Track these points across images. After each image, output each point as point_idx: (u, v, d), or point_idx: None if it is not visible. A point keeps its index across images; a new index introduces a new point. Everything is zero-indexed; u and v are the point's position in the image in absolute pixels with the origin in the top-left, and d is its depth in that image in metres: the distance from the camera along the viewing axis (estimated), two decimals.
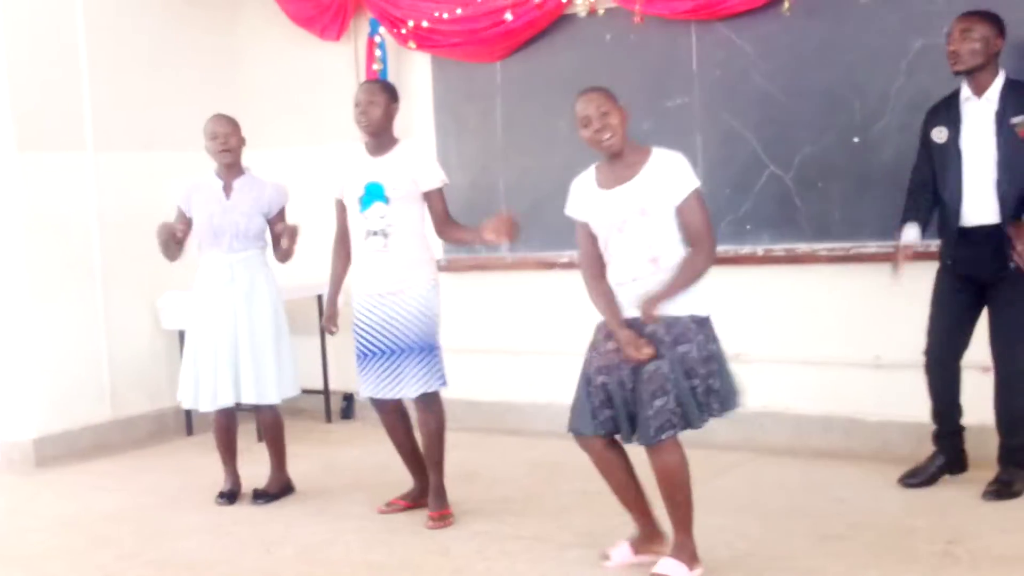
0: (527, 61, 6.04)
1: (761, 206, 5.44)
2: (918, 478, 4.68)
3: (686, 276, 3.73)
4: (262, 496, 5.04)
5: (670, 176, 3.74)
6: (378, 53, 6.44)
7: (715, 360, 3.77)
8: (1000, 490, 4.46)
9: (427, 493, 4.71)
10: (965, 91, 4.49)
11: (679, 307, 3.71)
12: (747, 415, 5.58)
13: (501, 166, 6.21)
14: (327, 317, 4.85)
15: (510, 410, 6.32)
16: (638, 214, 3.72)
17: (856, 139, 5.18)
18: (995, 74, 4.44)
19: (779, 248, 5.42)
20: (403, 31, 6.28)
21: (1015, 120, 4.37)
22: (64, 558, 4.42)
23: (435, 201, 4.61)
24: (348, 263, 4.75)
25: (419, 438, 4.71)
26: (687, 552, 3.79)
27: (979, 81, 4.44)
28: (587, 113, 3.75)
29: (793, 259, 5.39)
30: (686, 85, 5.59)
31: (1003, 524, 4.17)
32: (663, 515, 3.87)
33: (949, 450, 4.69)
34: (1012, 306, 4.45)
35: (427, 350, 4.56)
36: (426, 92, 6.40)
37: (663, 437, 3.67)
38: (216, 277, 4.98)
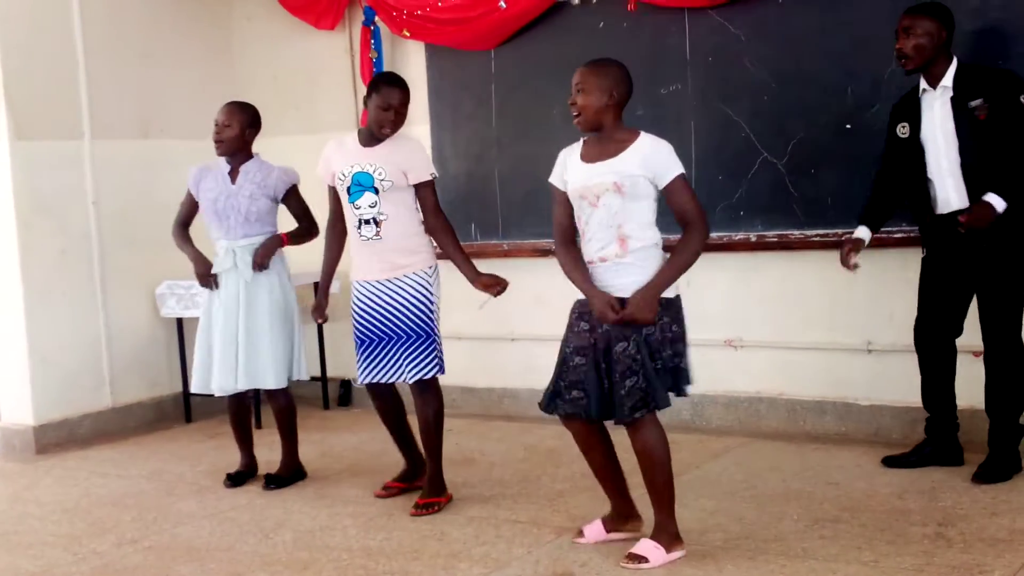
0: (521, 49, 6.05)
1: (754, 192, 5.46)
2: (901, 460, 4.74)
3: (683, 258, 3.81)
4: (273, 481, 5.08)
5: (654, 160, 3.80)
6: (373, 42, 6.45)
7: (680, 341, 3.83)
8: (991, 473, 4.49)
9: (420, 474, 4.76)
10: (922, 83, 4.55)
11: None
12: (741, 400, 5.66)
13: (496, 154, 6.23)
14: (316, 307, 4.85)
15: (506, 396, 6.35)
16: (613, 190, 3.78)
17: (849, 125, 5.20)
18: (948, 63, 4.48)
19: (772, 234, 5.44)
20: (398, 19, 6.28)
21: (973, 103, 4.40)
22: (64, 544, 4.45)
23: (425, 195, 4.62)
24: (341, 250, 4.78)
25: (416, 425, 4.73)
26: (667, 533, 3.83)
27: (933, 73, 4.49)
28: (573, 85, 3.88)
29: (786, 245, 5.42)
30: (679, 72, 5.60)
31: (994, 507, 4.21)
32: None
33: (938, 438, 4.73)
34: (998, 289, 4.49)
35: (424, 337, 4.56)
36: (421, 80, 6.40)
37: (637, 415, 3.73)
38: (221, 263, 5.02)
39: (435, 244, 4.70)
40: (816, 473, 4.78)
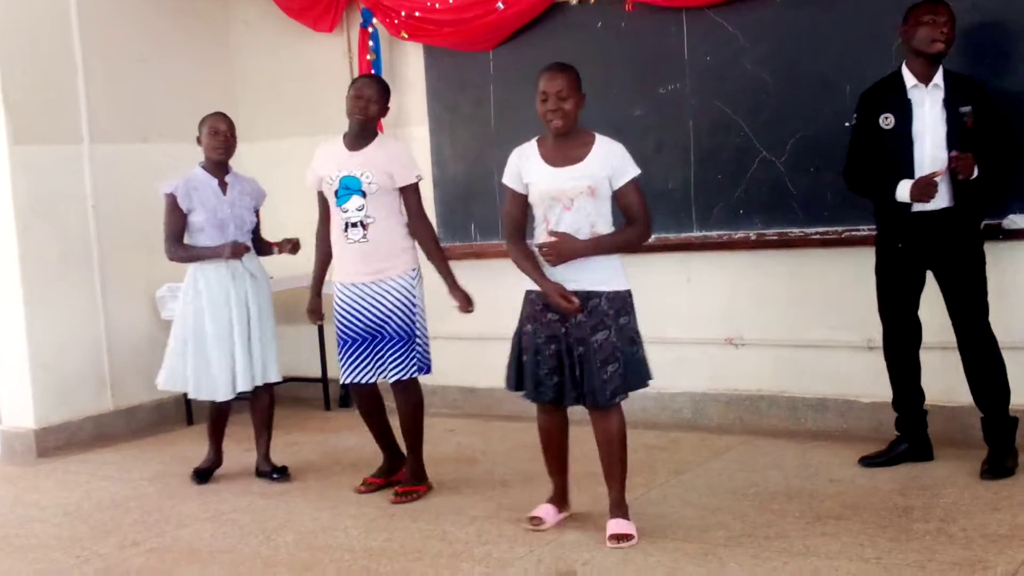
0: (519, 49, 6.05)
1: (753, 191, 5.47)
2: (879, 458, 4.77)
3: (617, 240, 4.05)
4: (281, 471, 5.21)
5: (615, 162, 4.02)
6: (371, 44, 6.45)
7: (639, 331, 4.08)
8: (995, 468, 4.51)
9: (397, 469, 4.91)
10: (910, 78, 4.55)
11: (618, 283, 4.02)
12: (742, 398, 5.66)
13: (494, 154, 6.20)
14: (312, 309, 4.96)
15: (508, 396, 6.29)
16: (588, 193, 3.97)
17: (847, 123, 5.19)
18: (940, 63, 4.54)
19: (772, 232, 5.45)
20: (396, 21, 6.29)
21: (964, 109, 4.46)
22: (66, 547, 4.45)
23: (409, 197, 4.70)
24: (331, 252, 4.82)
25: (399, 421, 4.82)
26: (625, 508, 4.08)
27: (931, 68, 4.52)
28: (546, 90, 4.03)
29: (786, 243, 5.42)
30: (677, 71, 5.61)
31: (996, 503, 4.21)
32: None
33: (912, 436, 4.77)
34: (967, 281, 4.53)
35: (405, 339, 4.64)
36: (419, 82, 6.42)
37: (616, 400, 3.98)
38: (225, 270, 5.08)
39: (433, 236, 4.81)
40: (818, 470, 4.79)
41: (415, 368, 4.67)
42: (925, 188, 4.42)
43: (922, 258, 4.59)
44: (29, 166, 6.06)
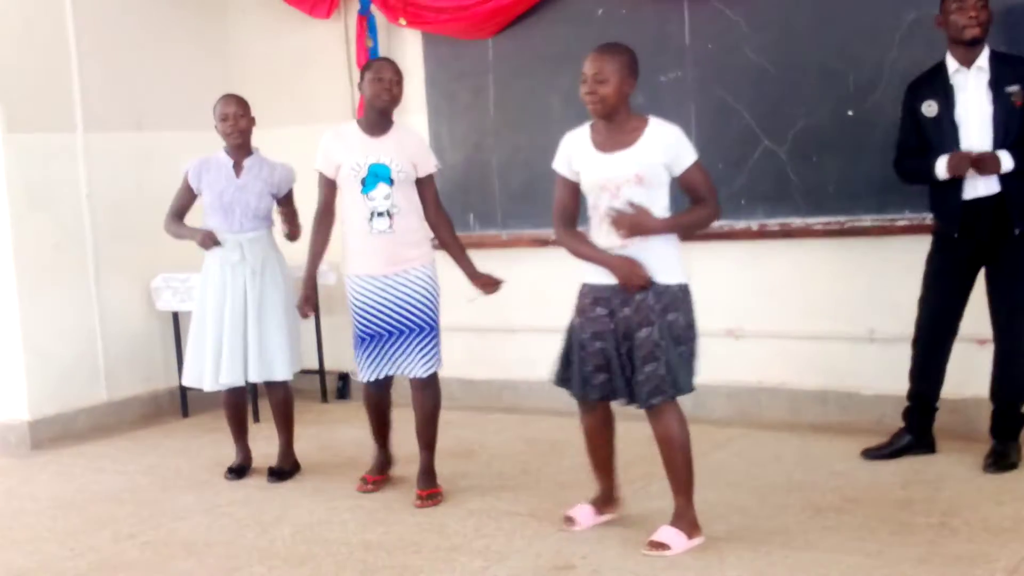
0: (519, 37, 6.01)
1: (755, 180, 5.43)
2: (882, 451, 4.74)
3: (688, 219, 3.90)
4: (277, 474, 5.06)
5: (670, 147, 3.81)
6: (368, 30, 6.40)
7: (694, 328, 3.85)
8: (998, 462, 4.48)
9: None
10: (952, 63, 4.48)
11: (669, 275, 3.79)
12: (743, 390, 5.63)
13: (493, 143, 6.19)
14: (304, 299, 4.77)
15: (506, 388, 6.32)
16: (634, 181, 3.77)
17: (850, 112, 5.17)
18: (984, 44, 4.46)
19: (774, 222, 5.41)
20: (394, 8, 6.23)
21: (1011, 89, 4.37)
22: (61, 540, 4.42)
23: (428, 187, 4.64)
24: (328, 241, 4.74)
25: (415, 417, 4.71)
26: (686, 520, 3.83)
27: (972, 52, 4.43)
28: (585, 72, 3.84)
29: (788, 233, 5.39)
30: (679, 59, 5.56)
31: (998, 496, 4.18)
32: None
33: (919, 429, 4.74)
34: (1015, 278, 4.46)
35: (430, 330, 4.58)
36: (418, 69, 6.36)
37: (655, 401, 3.76)
38: (227, 256, 4.99)
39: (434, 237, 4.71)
40: (819, 463, 4.76)
41: (439, 361, 4.60)
42: (958, 162, 4.36)
43: (977, 254, 4.50)
44: (23, 154, 6.01)
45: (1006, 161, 4.35)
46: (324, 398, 6.79)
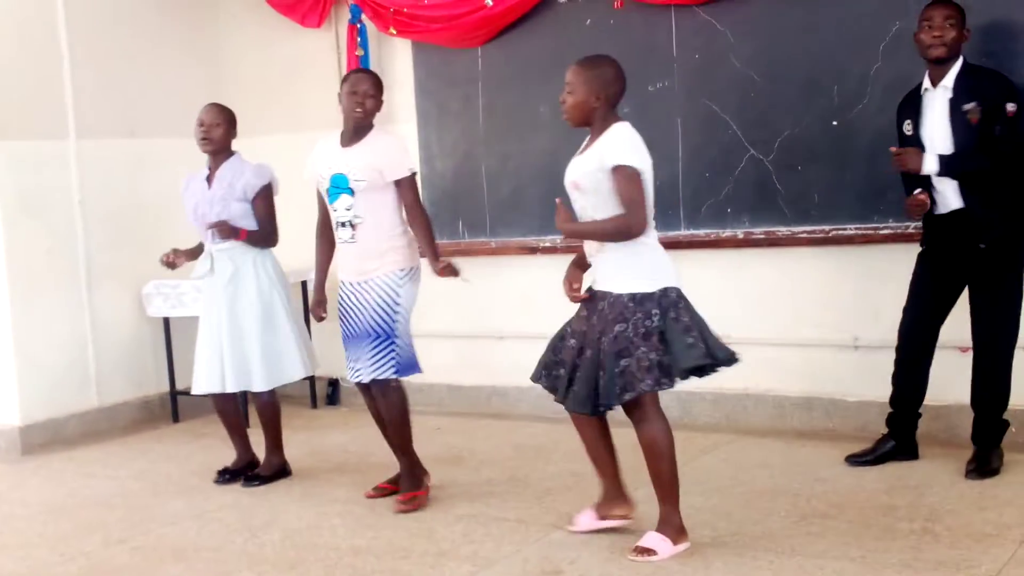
0: (508, 46, 6.04)
1: (741, 189, 5.47)
2: (866, 457, 4.78)
3: (600, 225, 3.80)
4: (253, 479, 5.08)
5: (605, 151, 3.78)
6: (359, 40, 6.43)
7: (654, 334, 3.74)
8: (981, 468, 4.52)
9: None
10: (925, 81, 4.54)
11: (626, 284, 3.78)
12: (728, 396, 5.66)
13: (483, 151, 6.22)
14: (314, 303, 4.87)
15: (494, 394, 6.34)
16: (572, 187, 3.87)
17: (835, 122, 5.21)
18: (955, 62, 4.48)
19: (759, 231, 5.45)
20: (384, 17, 6.27)
21: (967, 107, 4.41)
22: (51, 545, 4.43)
23: (404, 190, 4.60)
24: (331, 249, 4.77)
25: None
26: (672, 526, 3.86)
27: (941, 70, 4.48)
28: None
29: (773, 242, 5.42)
30: (666, 69, 5.60)
31: (981, 502, 4.22)
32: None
33: (901, 435, 4.78)
34: (992, 287, 4.50)
35: (382, 338, 4.54)
36: (407, 78, 6.40)
37: (627, 397, 3.75)
38: (200, 267, 5.05)
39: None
40: (804, 469, 4.79)
41: (391, 368, 4.55)
42: (910, 208, 4.52)
43: (956, 266, 4.54)
44: (15, 162, 6.03)
45: (929, 162, 4.39)
46: (314, 404, 6.81)
